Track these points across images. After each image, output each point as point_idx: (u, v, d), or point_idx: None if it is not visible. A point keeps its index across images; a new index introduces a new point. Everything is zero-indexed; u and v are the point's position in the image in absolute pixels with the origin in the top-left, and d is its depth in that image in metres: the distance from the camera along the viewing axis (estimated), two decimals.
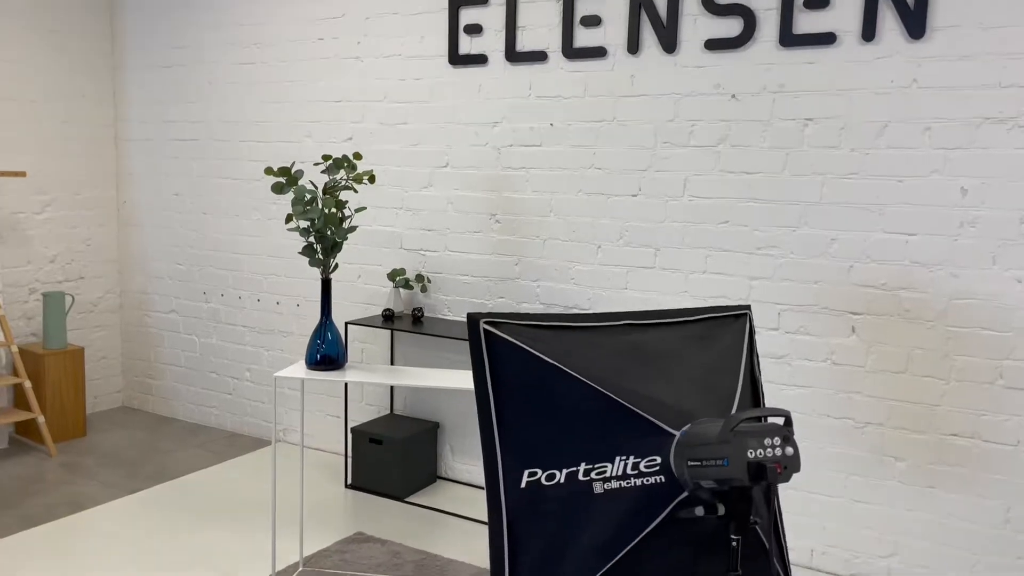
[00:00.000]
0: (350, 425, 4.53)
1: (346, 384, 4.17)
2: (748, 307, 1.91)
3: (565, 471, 1.62)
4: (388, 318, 4.11)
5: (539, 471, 1.63)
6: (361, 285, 4.41)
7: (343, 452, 4.56)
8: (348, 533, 3.60)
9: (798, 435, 3.40)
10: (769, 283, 3.40)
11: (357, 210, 3.20)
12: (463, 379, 3.02)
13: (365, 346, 4.44)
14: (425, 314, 4.23)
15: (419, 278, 4.17)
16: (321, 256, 3.02)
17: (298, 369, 3.06)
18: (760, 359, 3.42)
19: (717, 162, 3.45)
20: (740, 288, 3.45)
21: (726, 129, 3.42)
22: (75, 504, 3.82)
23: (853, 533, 3.32)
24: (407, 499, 4.00)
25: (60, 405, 4.62)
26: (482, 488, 4.13)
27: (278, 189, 2.97)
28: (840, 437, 3.32)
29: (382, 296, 4.35)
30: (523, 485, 1.63)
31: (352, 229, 3.03)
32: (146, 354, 5.22)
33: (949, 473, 3.13)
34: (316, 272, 4.53)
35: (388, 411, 4.40)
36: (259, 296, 4.75)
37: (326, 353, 3.04)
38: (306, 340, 4.62)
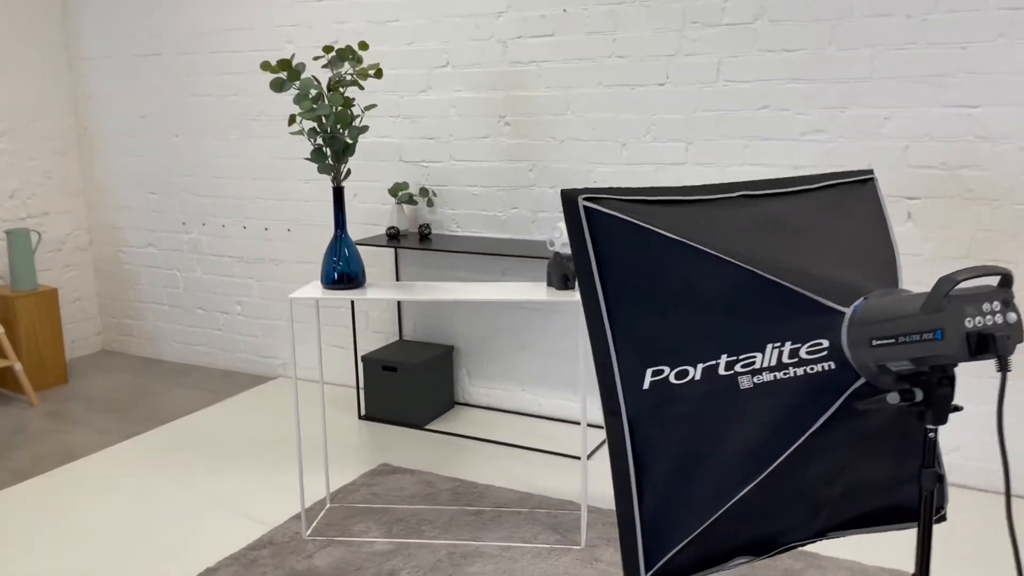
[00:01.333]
0: (360, 353, 4.24)
1: (353, 310, 3.87)
2: (871, 171, 1.64)
3: (701, 366, 1.36)
4: (393, 236, 3.79)
5: (666, 368, 1.36)
6: (359, 204, 4.07)
7: (353, 384, 4.28)
8: (372, 465, 3.35)
9: None
10: (816, 172, 3.13)
11: (366, 108, 2.85)
12: (500, 291, 2.74)
13: (369, 269, 4.12)
14: (432, 231, 3.92)
15: (423, 192, 3.84)
16: (332, 161, 2.69)
17: (313, 289, 2.75)
18: None
19: (754, 40, 3.15)
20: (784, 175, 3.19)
21: (763, 2, 3.10)
22: (67, 454, 3.51)
23: None
24: (427, 427, 3.75)
25: (37, 351, 4.26)
26: (504, 412, 3.90)
27: (278, 86, 2.61)
28: None
29: (383, 214, 4.02)
30: (646, 386, 1.37)
31: (364, 129, 2.69)
32: (123, 293, 4.85)
33: (1013, 362, 2.95)
34: (307, 193, 4.18)
35: (397, 337, 4.11)
36: (244, 223, 4.39)
37: (344, 271, 2.73)
38: (301, 267, 4.29)
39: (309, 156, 2.69)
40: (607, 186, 3.46)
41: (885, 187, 3.04)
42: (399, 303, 4.06)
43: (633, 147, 3.43)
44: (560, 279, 2.68)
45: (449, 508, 2.97)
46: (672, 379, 1.37)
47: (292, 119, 2.69)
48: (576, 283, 2.63)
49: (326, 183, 4.13)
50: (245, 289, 4.47)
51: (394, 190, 3.81)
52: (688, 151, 3.33)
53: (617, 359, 1.38)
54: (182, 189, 4.52)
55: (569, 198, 1.45)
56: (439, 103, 3.78)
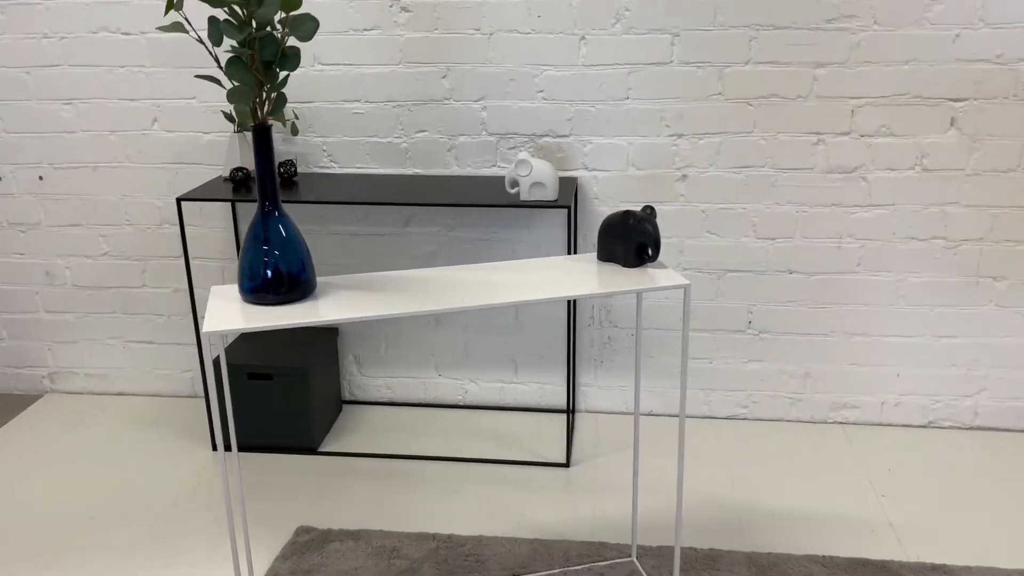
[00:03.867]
0: (207, 353, 2.97)
1: (192, 292, 2.60)
2: None
3: None
4: (239, 182, 2.56)
5: None
6: (169, 137, 2.74)
7: (196, 393, 3.01)
8: (284, 535, 2.25)
9: (875, 265, 2.63)
10: (841, 69, 2.46)
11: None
12: (535, 279, 1.76)
13: (196, 230, 2.83)
14: (298, 170, 2.73)
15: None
16: (260, 77, 1.50)
17: (225, 308, 1.58)
18: (824, 175, 2.55)
19: None
20: (800, 81, 2.48)
21: None
22: None
23: (934, 375, 2.70)
24: (322, 449, 2.67)
25: None
26: (415, 406, 2.92)
27: None
28: (927, 262, 2.61)
29: (217, 150, 2.74)
30: None
31: (311, 28, 1.52)
32: None
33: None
34: (67, 120, 2.73)
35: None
36: None
37: (283, 268, 1.59)
38: (61, 234, 2.86)
39: (227, 68, 1.48)
40: (560, 98, 2.55)
41: (926, 87, 2.45)
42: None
43: (596, 40, 2.51)
44: (635, 251, 1.76)
45: None
46: None
47: (170, 5, 1.44)
48: (657, 254, 1.74)
49: (100, 106, 2.72)
50: None
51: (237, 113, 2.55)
52: (674, 46, 2.49)
53: None
54: None
55: None
56: None
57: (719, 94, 2.52)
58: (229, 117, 2.58)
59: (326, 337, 2.81)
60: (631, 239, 1.74)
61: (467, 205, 2.35)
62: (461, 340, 2.84)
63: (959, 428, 2.74)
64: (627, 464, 2.55)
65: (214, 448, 2.67)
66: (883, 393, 2.74)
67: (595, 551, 2.13)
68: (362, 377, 2.93)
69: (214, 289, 1.68)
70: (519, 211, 2.68)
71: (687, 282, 1.67)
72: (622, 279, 1.70)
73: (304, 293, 1.61)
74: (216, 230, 2.82)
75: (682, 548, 2.14)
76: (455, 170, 2.68)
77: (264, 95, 1.54)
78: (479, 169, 2.67)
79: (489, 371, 2.87)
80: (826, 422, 2.79)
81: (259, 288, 1.59)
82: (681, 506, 1.83)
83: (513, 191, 2.39)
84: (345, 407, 2.93)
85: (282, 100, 1.57)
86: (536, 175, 2.34)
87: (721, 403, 2.81)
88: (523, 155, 2.37)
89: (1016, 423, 2.72)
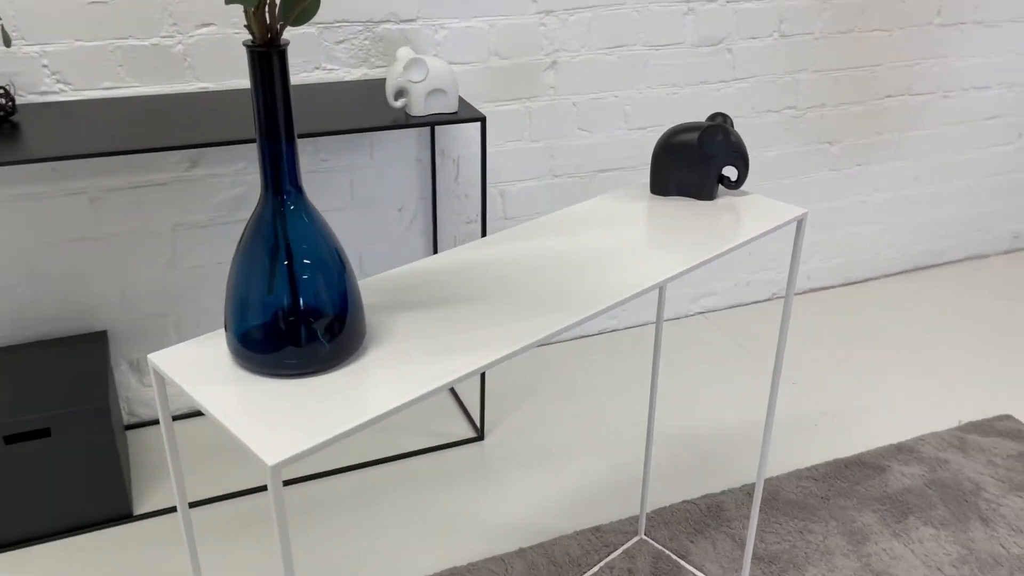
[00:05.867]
0: None
1: None
2: None
3: None
4: None
5: None
6: None
7: None
8: None
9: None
10: None
11: None
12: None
13: None
14: (16, 101, 1.68)
15: None
16: None
17: (214, 386, 0.82)
18: (693, 49, 2.26)
19: None
20: None
21: None
22: None
23: (780, 248, 2.68)
24: (143, 511, 1.84)
25: None
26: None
27: None
28: (777, 134, 2.50)
29: None
30: None
31: None
32: None
33: (877, 145, 2.65)
34: None
35: None
36: None
37: (311, 303, 0.85)
38: None
39: None
40: None
41: None
42: None
43: None
44: (711, 181, 1.29)
45: None
46: None
47: None
48: (745, 180, 1.31)
49: None
50: None
51: None
52: None
53: None
54: None
55: None
56: None
57: None
58: None
59: (95, 343, 1.88)
60: (713, 162, 1.28)
61: (314, 135, 1.62)
62: None
63: (797, 295, 2.77)
64: (547, 415, 2.13)
65: None
66: (737, 275, 2.65)
67: (594, 541, 1.73)
68: (142, 388, 2.06)
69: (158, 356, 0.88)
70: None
71: (803, 210, 1.27)
72: (743, 222, 1.24)
73: (353, 345, 0.89)
74: None
75: (679, 503, 1.84)
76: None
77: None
78: (297, 75, 1.90)
79: None
80: (688, 315, 2.63)
81: (265, 337, 0.84)
82: (770, 433, 1.51)
83: (398, 104, 1.71)
84: (130, 435, 2.05)
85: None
86: (434, 79, 1.69)
87: (594, 321, 2.49)
88: (407, 51, 1.69)
89: (842, 279, 2.83)
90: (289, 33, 1.84)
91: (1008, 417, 2.16)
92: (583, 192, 2.30)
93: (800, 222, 1.27)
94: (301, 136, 1.60)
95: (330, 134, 1.61)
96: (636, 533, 1.76)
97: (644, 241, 1.16)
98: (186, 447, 2.01)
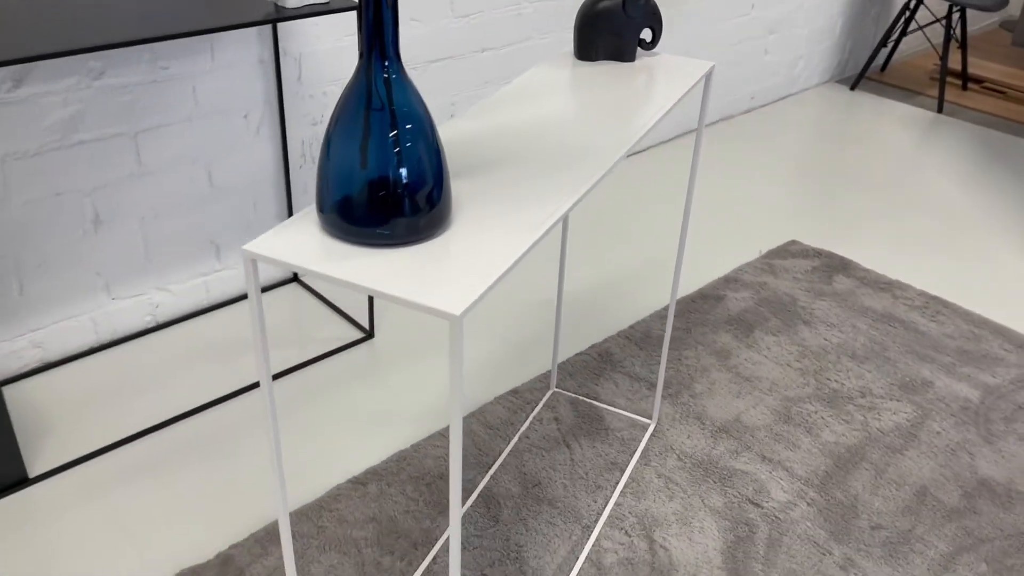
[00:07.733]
0: None
1: None
2: None
3: None
4: None
5: None
6: None
7: None
8: None
9: (524, 31, 2.57)
10: None
11: None
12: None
13: None
14: None
15: None
16: None
17: (301, 245, 0.84)
18: None
19: None
20: None
21: None
22: None
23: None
24: (39, 472, 1.67)
25: None
26: (92, 353, 1.96)
27: None
28: None
29: None
30: None
31: None
32: None
33: None
34: None
35: None
36: None
37: (409, 177, 0.87)
38: None
39: None
40: None
41: None
42: None
43: None
44: (632, 43, 1.42)
45: None
46: None
47: None
48: (658, 42, 1.45)
49: None
50: None
51: None
52: None
53: None
54: None
55: None
56: None
57: None
58: None
59: None
60: (633, 25, 1.41)
61: (163, 38, 1.51)
62: (136, 237, 1.95)
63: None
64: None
65: None
66: None
67: (516, 401, 1.88)
68: (31, 318, 1.83)
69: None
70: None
71: (711, 63, 1.45)
72: (672, 79, 1.39)
73: (439, 217, 0.92)
74: None
75: (573, 356, 2.03)
76: None
77: None
78: None
79: (182, 268, 2.06)
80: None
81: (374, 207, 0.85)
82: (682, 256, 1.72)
83: (287, 3, 1.63)
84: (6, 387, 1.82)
85: None
86: None
87: None
88: None
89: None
90: None
91: (795, 242, 2.59)
92: (416, 82, 2.32)
93: (708, 76, 1.45)
94: (149, 41, 1.47)
95: (198, 33, 1.51)
96: (549, 388, 1.93)
97: (615, 99, 1.27)
98: (67, 400, 1.83)
